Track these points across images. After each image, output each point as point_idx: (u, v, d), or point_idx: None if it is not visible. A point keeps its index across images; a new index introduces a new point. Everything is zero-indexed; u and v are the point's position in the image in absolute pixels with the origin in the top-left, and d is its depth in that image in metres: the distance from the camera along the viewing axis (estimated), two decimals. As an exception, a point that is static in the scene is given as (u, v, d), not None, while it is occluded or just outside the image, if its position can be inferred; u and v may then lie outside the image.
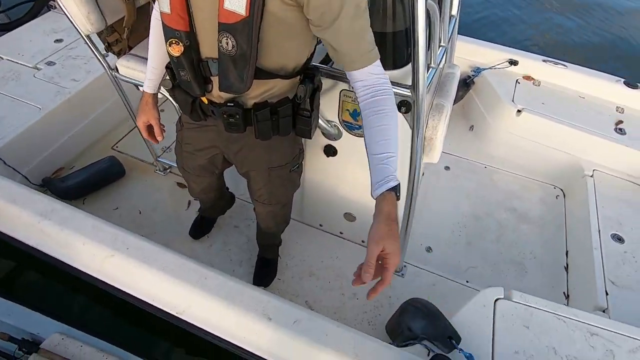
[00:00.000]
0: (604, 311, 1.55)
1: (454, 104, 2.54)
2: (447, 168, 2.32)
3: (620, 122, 2.15)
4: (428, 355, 1.20)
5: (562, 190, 2.22)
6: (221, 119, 1.05)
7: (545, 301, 1.38)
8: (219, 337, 1.20)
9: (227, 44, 0.86)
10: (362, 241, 1.86)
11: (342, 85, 1.32)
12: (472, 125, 2.51)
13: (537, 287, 1.81)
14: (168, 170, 2.19)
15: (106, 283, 1.34)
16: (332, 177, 1.65)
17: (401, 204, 1.45)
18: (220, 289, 1.21)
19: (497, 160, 2.34)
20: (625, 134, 2.09)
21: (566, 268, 1.87)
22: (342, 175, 1.62)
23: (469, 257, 1.89)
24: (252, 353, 1.16)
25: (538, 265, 1.89)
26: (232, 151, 1.20)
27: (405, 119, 1.31)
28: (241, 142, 1.16)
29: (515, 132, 2.24)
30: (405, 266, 1.80)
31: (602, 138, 2.06)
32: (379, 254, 0.77)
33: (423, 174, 2.27)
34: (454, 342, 1.19)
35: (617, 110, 2.23)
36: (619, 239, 1.79)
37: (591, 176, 2.06)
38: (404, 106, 1.20)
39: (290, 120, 1.08)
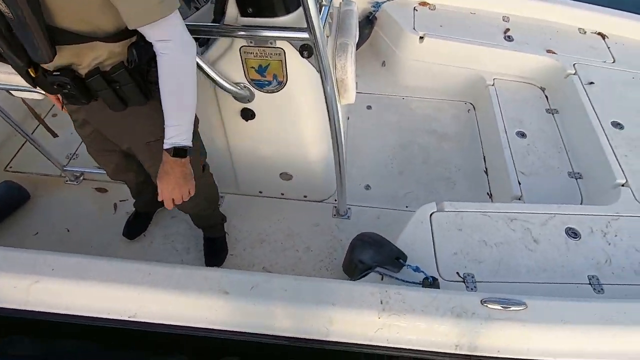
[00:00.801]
0: (519, 199, 1.77)
1: (362, 44, 2.59)
2: (369, 107, 2.39)
3: (508, 29, 2.35)
4: (382, 279, 1.29)
5: (471, 104, 2.42)
6: (52, 90, 0.96)
7: (471, 204, 1.54)
8: (182, 327, 1.18)
9: (3, 7, 0.77)
10: (305, 196, 1.89)
11: (240, 42, 1.25)
12: (384, 61, 2.58)
13: (465, 194, 2.01)
14: (81, 178, 1.98)
15: (41, 312, 1.22)
16: (257, 141, 1.62)
17: (328, 151, 1.48)
18: (169, 280, 1.17)
19: (412, 89, 2.45)
20: (513, 40, 2.29)
21: (486, 171, 2.09)
22: (266, 136, 1.59)
23: (404, 184, 2.02)
24: (219, 330, 1.17)
25: (463, 175, 2.08)
26: (100, 125, 1.12)
27: (311, 63, 1.29)
28: (100, 115, 1.07)
29: (421, 58, 2.34)
30: (349, 208, 1.88)
31: (495, 48, 2.23)
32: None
33: (348, 118, 2.32)
34: (401, 261, 1.30)
35: (503, 20, 2.42)
36: (522, 135, 2.03)
37: (492, 85, 2.26)
38: (306, 50, 1.17)
39: (136, 87, 0.98)
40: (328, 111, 1.33)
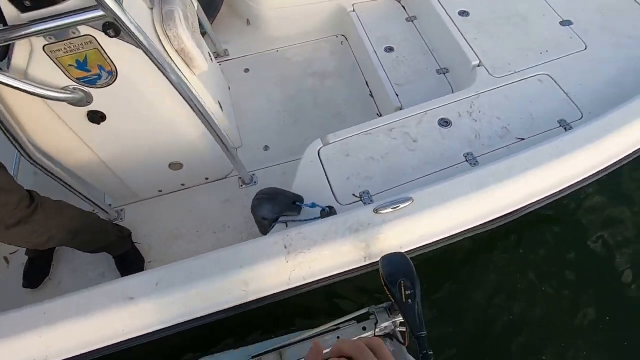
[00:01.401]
0: (401, 109, 1.88)
1: (220, 7, 2.46)
2: (246, 70, 2.32)
3: (349, -48, 2.34)
4: (287, 226, 1.33)
5: (342, 35, 2.44)
6: None
7: (352, 128, 1.60)
8: (102, 348, 1.14)
9: None
10: (206, 178, 1.85)
11: (40, 41, 1.12)
12: (247, 19, 2.48)
13: (358, 121, 2.07)
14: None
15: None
16: (124, 141, 1.52)
17: (198, 128, 1.43)
18: (67, 310, 1.11)
19: (283, 39, 2.41)
20: (356, -39, 2.30)
21: (371, 94, 2.17)
22: (131, 133, 1.49)
23: (300, 133, 2.04)
24: (140, 336, 1.15)
25: (352, 105, 2.14)
26: None
27: (129, 42, 1.20)
28: None
29: (280, 5, 2.28)
30: (253, 174, 1.87)
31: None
32: None
33: (229, 88, 2.24)
34: (297, 203, 1.34)
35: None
36: (390, 49, 2.10)
37: (353, 11, 2.28)
38: (110, 28, 1.08)
39: None
40: (175, 87, 1.27)
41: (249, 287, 1.18)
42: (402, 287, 1.06)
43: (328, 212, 1.31)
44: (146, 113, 1.42)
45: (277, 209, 1.33)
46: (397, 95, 1.91)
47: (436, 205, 1.27)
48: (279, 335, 1.28)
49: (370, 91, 2.18)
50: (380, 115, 2.09)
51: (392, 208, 1.26)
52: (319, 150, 1.53)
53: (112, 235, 1.56)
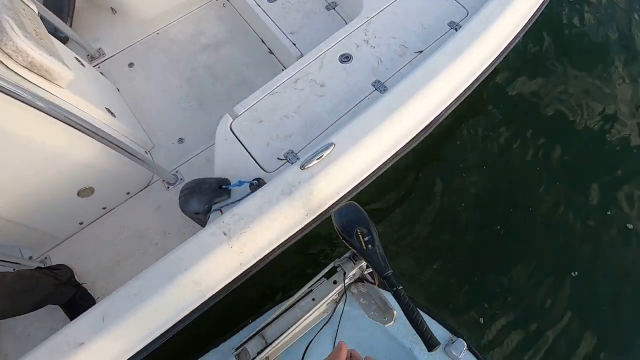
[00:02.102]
0: (302, 57, 1.81)
1: (74, 2, 2.13)
2: (131, 65, 2.09)
3: None
4: (222, 213, 1.27)
5: (223, -3, 2.25)
6: None
7: (256, 93, 1.52)
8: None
9: None
10: (127, 193, 1.71)
11: None
12: (111, 8, 2.19)
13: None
14: None
15: None
16: (13, 189, 1.32)
17: (93, 145, 1.26)
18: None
19: (159, 19, 2.17)
20: None
21: (270, 51, 2.06)
22: (15, 178, 1.29)
23: (212, 114, 1.92)
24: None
25: (255, 68, 2.03)
26: None
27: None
28: None
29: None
30: (176, 172, 1.75)
31: None
32: None
33: (119, 90, 2.02)
34: (224, 186, 1.28)
35: None
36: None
37: (222, -34, 2.09)
38: None
39: None
40: (40, 109, 1.09)
41: (203, 286, 1.14)
42: (360, 236, 1.05)
43: (257, 184, 1.26)
44: (24, 151, 1.23)
45: (205, 199, 1.26)
46: (294, 44, 1.83)
47: (358, 141, 1.27)
48: (258, 316, 1.28)
49: (269, 48, 2.07)
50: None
51: (317, 159, 1.24)
52: (230, 126, 1.44)
53: (46, 286, 1.41)
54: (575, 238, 2.02)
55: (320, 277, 1.20)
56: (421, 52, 1.56)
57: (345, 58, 1.56)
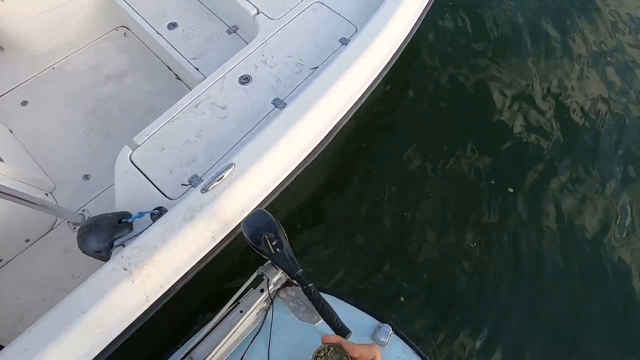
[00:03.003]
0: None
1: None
2: (24, 103, 1.95)
3: None
4: (112, 248, 1.22)
5: (124, 26, 2.20)
6: None
7: (156, 121, 1.50)
8: None
9: None
10: (27, 240, 1.58)
11: None
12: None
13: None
14: None
15: None
16: None
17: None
18: None
19: (54, 51, 2.07)
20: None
21: (177, 77, 2.05)
22: None
23: (118, 146, 1.84)
24: None
25: (161, 95, 2.01)
26: None
27: None
28: None
29: (26, 14, 1.92)
30: (83, 211, 1.66)
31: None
32: None
33: (12, 131, 1.88)
34: (124, 220, 1.24)
35: None
36: (174, 25, 1.98)
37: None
38: None
39: None
40: None
41: (106, 327, 1.09)
42: (268, 241, 1.09)
43: (159, 214, 1.25)
44: None
45: (104, 236, 1.21)
46: (197, 69, 1.85)
47: (258, 159, 1.32)
48: (188, 338, 1.24)
49: (176, 74, 2.06)
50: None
51: (218, 180, 1.26)
52: (130, 157, 1.41)
53: None
54: (470, 211, 2.21)
55: (247, 288, 1.20)
56: (316, 68, 1.66)
57: (245, 79, 1.61)
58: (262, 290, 1.20)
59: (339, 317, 1.01)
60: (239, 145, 1.45)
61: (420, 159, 2.34)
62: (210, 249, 1.25)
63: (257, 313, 1.25)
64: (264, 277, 1.20)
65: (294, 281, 1.10)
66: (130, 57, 2.12)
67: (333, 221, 2.12)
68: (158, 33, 1.95)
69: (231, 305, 1.22)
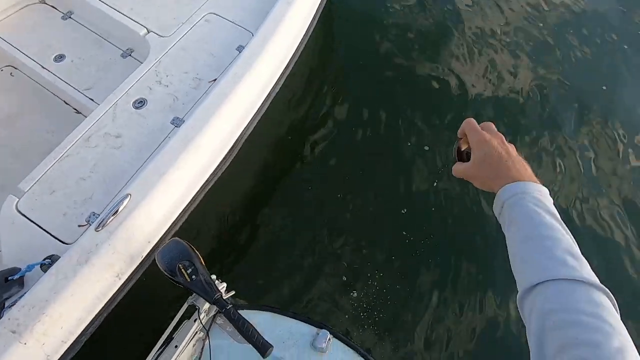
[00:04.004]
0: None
1: None
2: None
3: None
4: (2, 310, 1.11)
5: (9, 65, 2.03)
6: None
7: (43, 162, 1.39)
8: None
9: None
10: None
11: None
12: None
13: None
14: None
15: None
16: None
17: None
18: None
19: None
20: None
21: (76, 111, 1.92)
22: None
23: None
24: None
25: (62, 132, 1.83)
26: None
27: None
28: None
29: None
30: None
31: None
32: None
33: None
34: (11, 277, 1.13)
35: None
36: (61, 57, 1.85)
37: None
38: None
39: None
40: None
41: (2, 400, 0.98)
42: (183, 270, 1.07)
43: (50, 263, 1.14)
44: None
45: (-11, 301, 1.09)
46: (91, 99, 1.74)
47: (155, 184, 1.25)
48: None
49: (74, 108, 1.93)
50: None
51: (114, 215, 1.18)
52: (16, 206, 1.29)
53: None
54: (390, 179, 2.26)
55: (179, 321, 1.16)
56: (215, 80, 1.61)
57: (140, 103, 1.53)
58: (195, 320, 1.16)
59: (260, 334, 1.01)
60: (139, 174, 1.37)
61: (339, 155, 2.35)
62: (116, 289, 1.16)
63: (194, 345, 1.20)
64: (196, 306, 1.16)
65: (214, 305, 1.08)
66: (20, 97, 1.95)
67: (263, 233, 2.07)
68: (44, 67, 1.82)
69: (164, 342, 1.16)
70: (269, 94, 1.60)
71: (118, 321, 1.26)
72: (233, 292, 1.18)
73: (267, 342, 1.00)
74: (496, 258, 2.09)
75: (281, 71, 1.65)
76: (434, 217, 2.19)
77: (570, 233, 0.55)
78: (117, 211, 1.18)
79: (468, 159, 0.66)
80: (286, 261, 2.01)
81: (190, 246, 1.10)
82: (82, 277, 1.10)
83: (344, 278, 1.99)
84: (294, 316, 1.29)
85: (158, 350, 1.13)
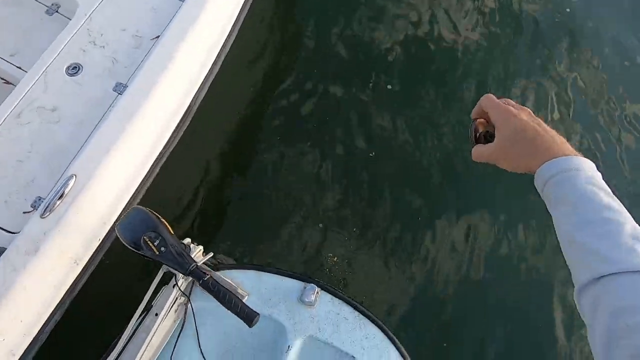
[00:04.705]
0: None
1: None
2: None
3: None
4: None
5: None
6: None
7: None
8: None
9: None
10: None
11: None
12: None
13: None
14: None
15: None
16: None
17: None
18: None
19: None
20: None
21: (6, 81, 1.70)
22: None
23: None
24: None
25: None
26: None
27: None
28: None
29: None
30: None
31: None
32: None
33: None
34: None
35: None
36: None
37: None
38: None
39: None
40: None
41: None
42: (150, 243, 0.98)
43: (-6, 257, 1.06)
44: None
45: None
46: (19, 67, 1.52)
47: (103, 161, 1.14)
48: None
49: (2, 78, 1.70)
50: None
51: (60, 198, 1.08)
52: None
53: None
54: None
55: (155, 288, 1.11)
56: (158, 37, 1.43)
57: (74, 69, 1.35)
58: (174, 285, 1.12)
59: (244, 302, 0.96)
60: (84, 150, 1.25)
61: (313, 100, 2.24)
62: (76, 275, 1.10)
63: (177, 310, 1.17)
64: (172, 273, 1.11)
65: (189, 277, 1.03)
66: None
67: (231, 194, 2.01)
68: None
69: (143, 311, 1.12)
70: (222, 49, 1.45)
71: (89, 305, 1.22)
72: (212, 254, 1.12)
73: (252, 310, 0.95)
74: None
75: (232, 22, 1.49)
76: (401, 156, 2.17)
77: (628, 212, 0.49)
78: (63, 194, 1.08)
79: (488, 141, 0.60)
80: (258, 219, 1.97)
81: (154, 214, 1.01)
82: (34, 268, 1.02)
83: (322, 228, 1.99)
84: (279, 272, 1.25)
85: (138, 319, 1.08)
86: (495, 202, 2.18)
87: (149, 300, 1.08)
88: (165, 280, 1.12)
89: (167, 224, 1.01)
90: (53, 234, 1.05)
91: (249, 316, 0.94)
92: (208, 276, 0.99)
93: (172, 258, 0.98)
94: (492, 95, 0.61)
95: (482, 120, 0.63)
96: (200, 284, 0.99)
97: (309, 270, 1.88)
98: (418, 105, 2.32)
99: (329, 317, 1.14)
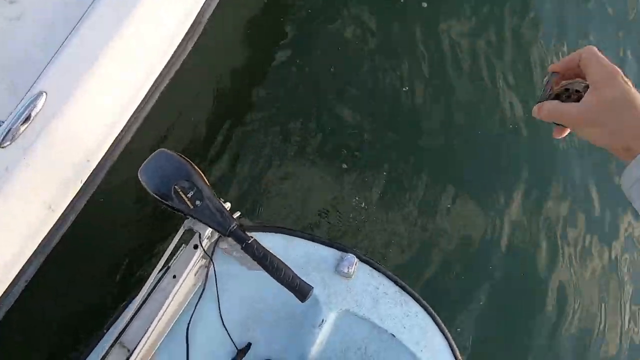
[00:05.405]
0: None
1: None
2: None
3: None
4: None
5: None
6: None
7: None
8: None
9: None
10: None
11: None
12: None
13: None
14: None
15: None
16: None
17: None
18: None
19: None
20: None
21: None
22: None
23: None
24: None
25: None
26: None
27: None
28: None
29: None
30: None
31: None
32: None
33: None
34: None
35: None
36: None
37: None
38: None
39: None
40: None
41: None
42: (181, 193, 0.80)
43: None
44: None
45: None
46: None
47: (83, 76, 0.85)
48: (114, 320, 0.96)
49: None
50: None
51: (25, 122, 0.80)
52: None
53: None
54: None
55: (176, 246, 0.93)
56: None
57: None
58: (195, 247, 0.94)
59: (294, 271, 0.79)
60: (55, 61, 0.94)
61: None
62: (52, 223, 0.85)
63: (197, 273, 1.00)
64: (194, 231, 0.92)
65: (229, 238, 0.83)
66: None
67: (243, 137, 1.69)
68: None
69: (160, 271, 0.95)
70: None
71: (70, 261, 0.99)
72: (239, 213, 0.94)
73: (306, 283, 0.79)
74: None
75: None
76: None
77: None
78: (29, 117, 0.80)
79: (570, 100, 0.51)
80: (275, 172, 1.71)
81: (187, 159, 0.82)
82: (10, 211, 0.77)
83: (343, 188, 1.75)
84: (313, 238, 1.10)
85: (154, 280, 0.92)
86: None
87: (166, 261, 0.90)
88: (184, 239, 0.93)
89: (201, 173, 0.82)
90: (19, 169, 0.78)
91: (302, 289, 0.78)
92: (252, 239, 0.81)
93: (210, 214, 0.80)
94: (595, 47, 0.51)
95: (568, 74, 0.53)
96: (242, 248, 0.81)
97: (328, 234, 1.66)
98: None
99: (368, 291, 1.01)
